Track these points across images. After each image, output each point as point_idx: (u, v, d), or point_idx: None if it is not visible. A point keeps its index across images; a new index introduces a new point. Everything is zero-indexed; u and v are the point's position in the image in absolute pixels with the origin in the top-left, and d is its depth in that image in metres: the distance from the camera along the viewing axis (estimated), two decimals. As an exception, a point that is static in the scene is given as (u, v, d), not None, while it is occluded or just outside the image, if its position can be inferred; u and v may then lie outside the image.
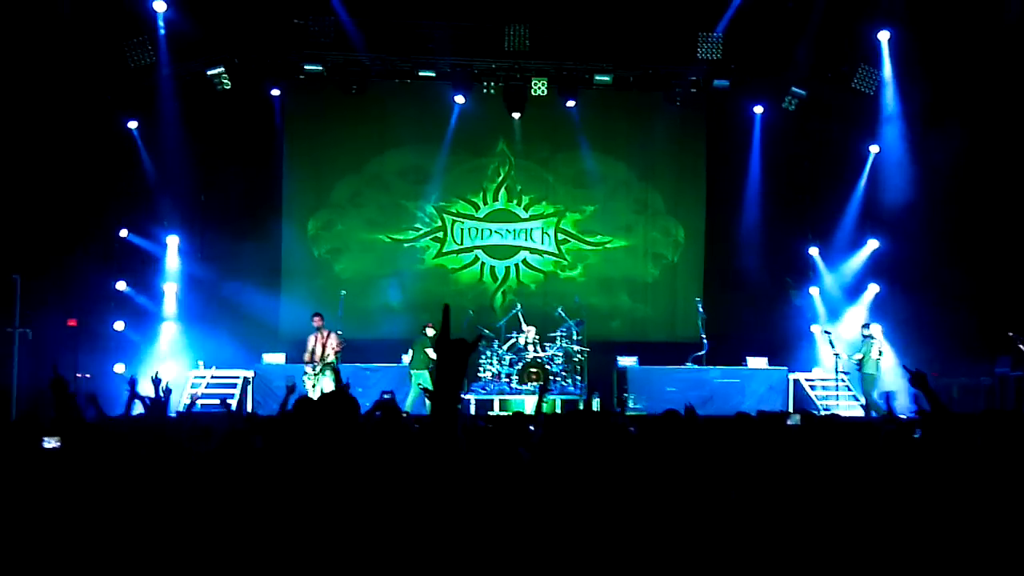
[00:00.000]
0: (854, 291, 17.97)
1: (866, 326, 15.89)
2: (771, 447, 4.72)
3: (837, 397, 16.10)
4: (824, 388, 16.56)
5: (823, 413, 13.99)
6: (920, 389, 5.30)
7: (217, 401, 15.32)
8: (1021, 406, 13.92)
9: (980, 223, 15.75)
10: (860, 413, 15.36)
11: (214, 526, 3.59)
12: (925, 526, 3.87)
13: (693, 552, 3.79)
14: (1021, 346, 14.42)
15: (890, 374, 16.90)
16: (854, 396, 16.43)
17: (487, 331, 17.00)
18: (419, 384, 15.29)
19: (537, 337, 16.72)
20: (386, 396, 6.65)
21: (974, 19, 15.00)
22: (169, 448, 4.64)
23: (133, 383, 6.80)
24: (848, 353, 15.79)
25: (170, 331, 17.13)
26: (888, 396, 7.30)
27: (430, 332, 15.86)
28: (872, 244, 17.70)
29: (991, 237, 15.66)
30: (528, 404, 15.87)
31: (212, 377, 16.18)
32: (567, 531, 3.75)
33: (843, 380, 16.33)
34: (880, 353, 15.54)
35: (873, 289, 17.71)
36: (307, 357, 14.90)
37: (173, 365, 16.51)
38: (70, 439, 4.17)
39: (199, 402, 15.16)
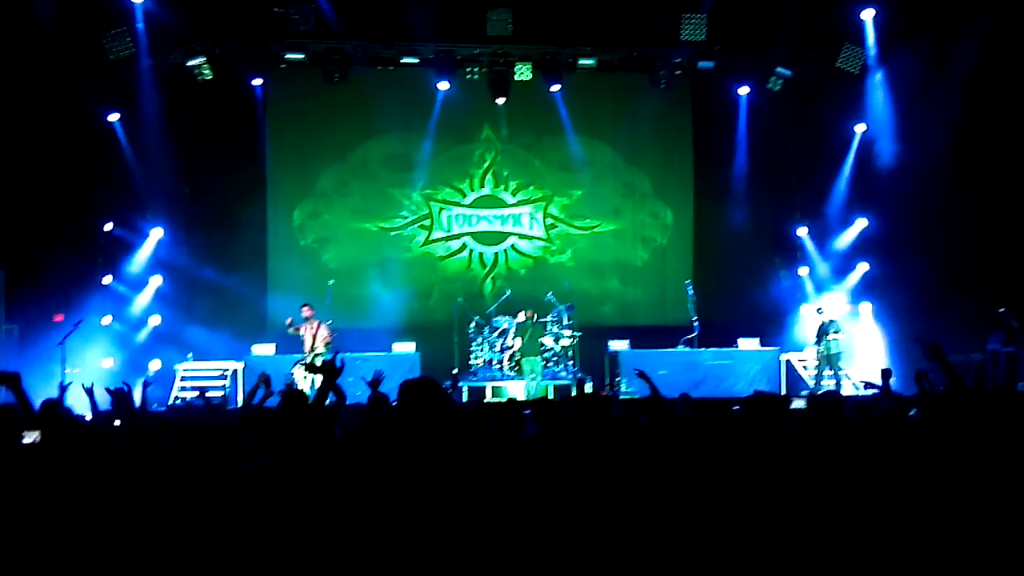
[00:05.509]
0: (843, 270, 17.95)
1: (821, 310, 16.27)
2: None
3: (828, 376, 16.06)
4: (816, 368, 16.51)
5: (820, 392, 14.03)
6: (937, 361, 5.19)
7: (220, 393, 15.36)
8: (1012, 382, 13.88)
9: (968, 200, 15.70)
10: (856, 392, 15.35)
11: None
12: (926, 505, 3.82)
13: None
14: (1013, 322, 14.42)
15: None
16: (846, 375, 16.43)
17: (478, 318, 16.95)
18: (532, 374, 15.66)
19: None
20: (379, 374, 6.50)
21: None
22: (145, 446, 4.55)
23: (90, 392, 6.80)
24: (830, 335, 15.82)
25: (157, 324, 16.99)
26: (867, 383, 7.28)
27: (522, 317, 16.09)
28: (861, 223, 17.67)
29: (980, 213, 15.62)
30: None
31: (200, 370, 16.09)
32: (563, 518, 3.69)
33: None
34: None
35: (862, 267, 17.69)
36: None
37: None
38: (50, 434, 4.08)
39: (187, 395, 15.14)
